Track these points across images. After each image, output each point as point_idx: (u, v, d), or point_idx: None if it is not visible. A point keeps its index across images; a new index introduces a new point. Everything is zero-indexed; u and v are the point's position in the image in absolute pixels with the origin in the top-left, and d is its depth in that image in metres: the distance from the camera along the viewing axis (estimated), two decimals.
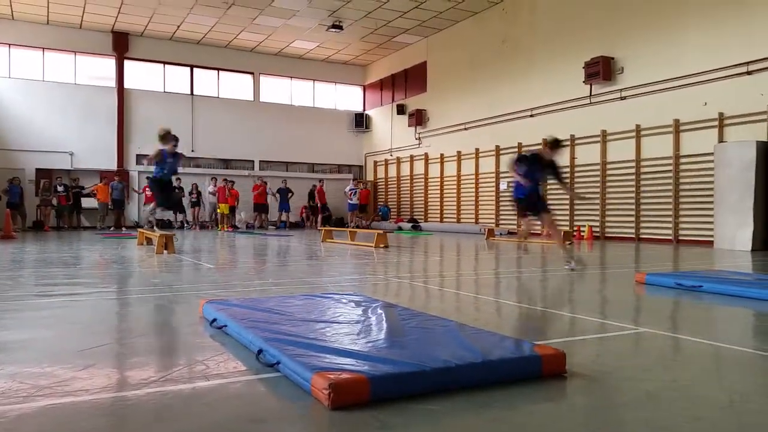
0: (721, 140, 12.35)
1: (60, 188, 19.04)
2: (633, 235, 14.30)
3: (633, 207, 14.32)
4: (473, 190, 19.73)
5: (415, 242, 13.55)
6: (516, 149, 17.77)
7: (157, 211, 11.57)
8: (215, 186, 20.11)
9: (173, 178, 11.41)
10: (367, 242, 11.93)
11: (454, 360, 2.41)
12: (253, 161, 23.88)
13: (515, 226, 17.25)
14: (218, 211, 20.01)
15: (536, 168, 7.54)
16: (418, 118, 22.01)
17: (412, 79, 23.04)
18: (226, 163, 23.44)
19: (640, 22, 14.16)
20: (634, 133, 14.26)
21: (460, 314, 4.15)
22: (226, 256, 9.75)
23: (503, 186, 18.40)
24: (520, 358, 2.52)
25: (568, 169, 16.04)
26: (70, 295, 5.10)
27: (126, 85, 21.66)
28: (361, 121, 25.61)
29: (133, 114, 21.77)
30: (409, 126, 22.59)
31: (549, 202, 16.50)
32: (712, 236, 12.16)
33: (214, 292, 5.21)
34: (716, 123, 12.51)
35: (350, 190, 21.15)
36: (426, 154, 22.02)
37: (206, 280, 6.31)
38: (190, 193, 20.28)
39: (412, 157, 22.86)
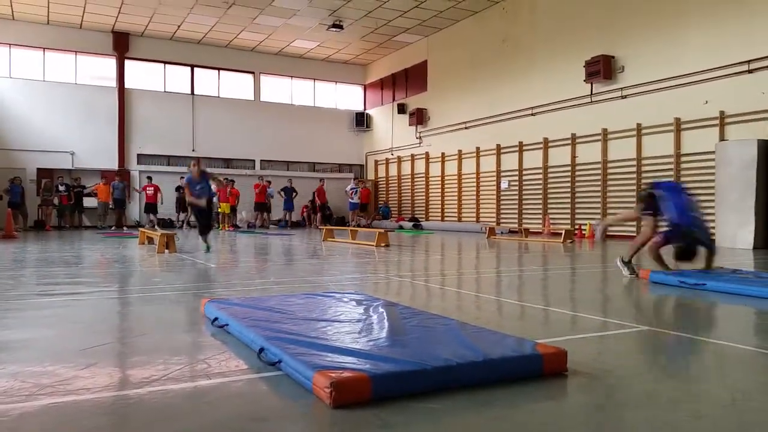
0: (722, 139, 12.34)
1: (61, 188, 19.06)
2: (634, 234, 14.27)
3: (634, 205, 14.28)
4: (474, 189, 19.73)
5: (416, 241, 13.55)
6: (517, 148, 17.79)
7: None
8: (216, 186, 20.11)
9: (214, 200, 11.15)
10: (368, 241, 11.93)
11: (455, 359, 2.41)
12: (254, 161, 23.88)
13: (516, 225, 17.27)
14: (219, 210, 20.03)
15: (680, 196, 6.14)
16: (419, 117, 22.00)
17: (413, 78, 23.03)
18: (227, 162, 23.45)
19: (641, 20, 14.15)
20: (635, 132, 14.25)
21: (462, 313, 4.15)
22: (227, 255, 9.75)
23: (504, 185, 18.41)
24: (521, 356, 2.52)
25: (569, 168, 16.06)
26: (72, 294, 5.10)
27: (127, 85, 21.67)
28: (361, 121, 25.61)
29: (133, 114, 21.79)
30: (409, 125, 22.59)
31: (549, 203, 16.71)
32: (713, 234, 12.14)
33: (215, 291, 5.22)
34: (717, 121, 12.50)
35: (351, 189, 21.19)
36: (427, 153, 22.02)
37: (208, 279, 6.31)
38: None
39: (412, 156, 22.85)
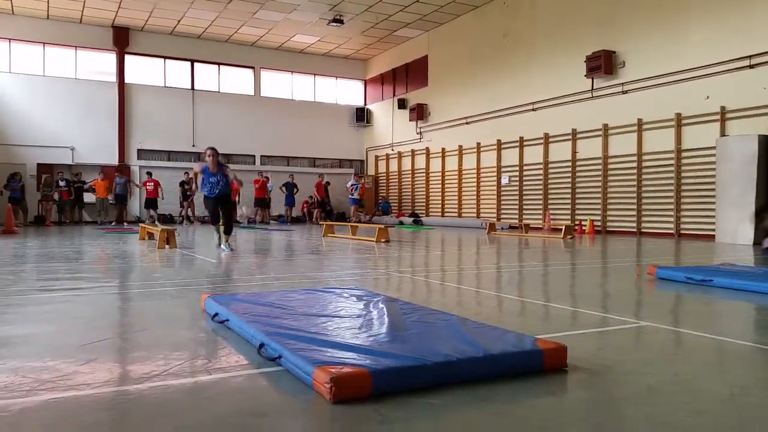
0: (722, 134, 12.33)
1: (61, 183, 19.06)
2: (634, 229, 14.29)
3: (635, 201, 14.30)
4: (474, 184, 19.72)
5: (417, 237, 13.56)
6: (517, 143, 17.77)
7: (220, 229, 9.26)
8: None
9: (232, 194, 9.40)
10: (368, 237, 11.94)
11: (455, 354, 2.41)
12: (254, 156, 23.87)
13: (516, 220, 17.27)
14: None
15: None
16: (419, 113, 21.97)
17: (413, 73, 22.99)
18: (227, 157, 23.40)
19: (642, 15, 14.11)
20: (635, 127, 14.23)
21: (462, 308, 4.15)
22: (226, 252, 9.74)
23: (504, 180, 18.40)
24: (521, 352, 2.52)
25: (569, 164, 16.05)
26: (72, 289, 5.10)
27: (127, 80, 21.64)
28: (362, 116, 25.59)
29: (133, 109, 21.76)
30: (410, 120, 22.56)
31: (550, 199, 16.71)
32: (713, 230, 12.15)
33: (215, 287, 5.22)
34: (718, 117, 12.48)
35: (352, 185, 21.22)
36: (427, 149, 22.00)
37: (208, 274, 6.31)
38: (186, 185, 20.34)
39: (413, 151, 22.83)
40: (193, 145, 22.29)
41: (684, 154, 13.28)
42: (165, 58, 22.39)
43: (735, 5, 12.24)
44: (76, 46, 20.96)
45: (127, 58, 21.63)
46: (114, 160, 21.27)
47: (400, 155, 23.73)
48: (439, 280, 5.97)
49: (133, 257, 8.35)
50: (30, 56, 20.43)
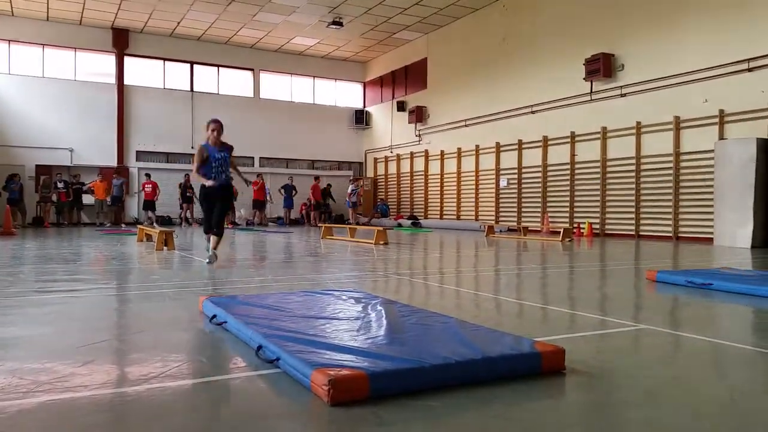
0: (721, 137, 12.34)
1: (60, 185, 19.05)
2: (633, 232, 14.30)
3: (633, 204, 14.31)
4: (473, 186, 19.73)
5: (415, 239, 13.55)
6: (516, 146, 17.78)
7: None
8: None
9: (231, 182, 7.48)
10: (366, 239, 11.93)
11: (453, 356, 2.41)
12: (253, 158, 23.87)
13: (515, 223, 17.27)
14: None
15: None
16: (419, 115, 21.99)
17: (413, 75, 23.01)
18: None
19: (641, 18, 14.14)
20: (634, 130, 14.25)
21: (460, 311, 4.15)
22: (225, 252, 9.74)
23: (503, 183, 18.41)
24: (519, 354, 2.51)
25: (568, 167, 16.06)
26: (70, 291, 5.09)
27: (126, 82, 21.65)
28: (361, 118, 25.61)
29: (133, 110, 21.76)
30: (409, 123, 22.58)
31: (548, 201, 16.71)
32: (712, 233, 12.16)
33: (213, 289, 5.21)
34: (717, 120, 12.49)
35: (351, 190, 21.39)
36: (426, 151, 22.01)
37: (206, 276, 6.30)
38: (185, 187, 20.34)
39: (412, 153, 22.84)
40: (192, 147, 22.23)
41: (683, 158, 13.29)
42: (164, 59, 22.40)
43: (734, 9, 12.27)
44: (75, 48, 20.96)
45: (127, 59, 21.64)
46: (113, 162, 21.26)
47: (398, 157, 23.74)
48: (438, 282, 5.97)
49: (131, 259, 8.34)
50: (29, 58, 20.43)
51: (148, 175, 20.27)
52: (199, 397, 2.25)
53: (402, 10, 19.11)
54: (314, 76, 25.14)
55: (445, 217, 21.08)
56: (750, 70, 11.95)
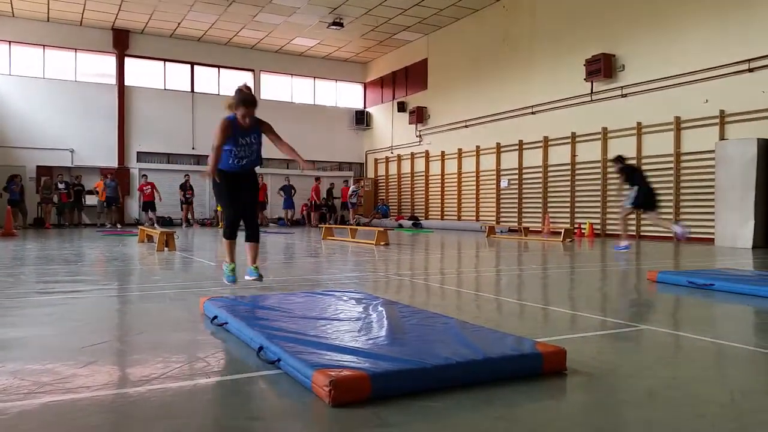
0: (722, 138, 12.34)
1: (61, 185, 19.06)
2: (634, 233, 14.29)
3: None
4: (474, 187, 19.72)
5: (416, 240, 13.55)
6: (517, 147, 17.78)
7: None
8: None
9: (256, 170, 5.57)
10: (367, 240, 11.93)
11: (455, 357, 2.41)
12: None
13: (515, 223, 17.27)
14: (218, 208, 20.03)
15: None
16: (419, 116, 21.99)
17: (413, 76, 23.01)
18: None
19: (642, 19, 14.14)
20: (635, 131, 14.24)
21: (461, 311, 4.15)
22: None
23: (504, 183, 18.41)
24: (521, 355, 2.52)
25: (569, 167, 16.05)
26: (71, 292, 5.10)
27: (126, 83, 21.65)
28: (361, 119, 25.60)
29: (133, 111, 21.77)
30: (409, 123, 22.58)
31: (549, 202, 16.71)
32: (713, 233, 12.15)
33: (215, 290, 5.21)
34: (717, 120, 12.49)
35: (353, 191, 21.43)
36: (427, 152, 22.01)
37: (207, 277, 6.30)
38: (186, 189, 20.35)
39: (412, 154, 22.84)
40: (193, 148, 22.30)
41: (683, 158, 13.29)
42: (165, 60, 22.40)
43: (734, 9, 12.26)
44: (76, 49, 20.96)
45: (127, 60, 21.64)
46: (114, 163, 21.27)
47: (399, 158, 23.73)
48: (439, 283, 5.97)
49: (132, 260, 8.34)
50: (30, 58, 20.43)
51: (145, 176, 20.28)
52: (201, 398, 2.25)
53: (402, 11, 19.11)
54: (315, 77, 25.14)
55: (445, 217, 21.08)
56: (750, 70, 11.95)
